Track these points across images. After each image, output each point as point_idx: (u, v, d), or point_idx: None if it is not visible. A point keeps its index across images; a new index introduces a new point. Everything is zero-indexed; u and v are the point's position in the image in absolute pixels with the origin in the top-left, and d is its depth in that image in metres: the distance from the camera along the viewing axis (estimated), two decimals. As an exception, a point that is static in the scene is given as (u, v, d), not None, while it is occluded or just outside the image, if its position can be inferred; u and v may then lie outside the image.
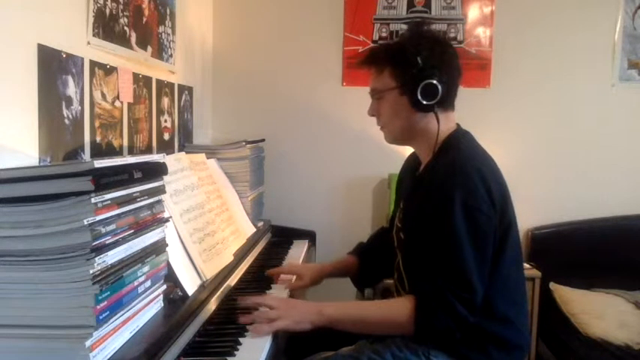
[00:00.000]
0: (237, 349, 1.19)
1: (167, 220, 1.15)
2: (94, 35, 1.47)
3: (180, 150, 2.14)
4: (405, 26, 2.64)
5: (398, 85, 1.35)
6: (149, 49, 1.84)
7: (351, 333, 1.36)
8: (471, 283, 1.22)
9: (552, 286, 2.53)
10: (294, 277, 1.68)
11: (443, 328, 1.23)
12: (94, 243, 0.87)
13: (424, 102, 1.32)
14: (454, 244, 1.23)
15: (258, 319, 1.28)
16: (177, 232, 1.39)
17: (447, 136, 1.37)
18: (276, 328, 1.27)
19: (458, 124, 1.42)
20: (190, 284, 1.31)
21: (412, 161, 1.54)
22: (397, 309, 1.29)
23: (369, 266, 1.68)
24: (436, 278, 1.24)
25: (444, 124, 1.36)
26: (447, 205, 1.23)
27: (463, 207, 1.22)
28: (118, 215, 0.95)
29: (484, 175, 1.27)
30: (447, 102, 1.37)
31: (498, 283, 1.29)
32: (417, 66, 1.31)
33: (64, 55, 1.34)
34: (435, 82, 1.31)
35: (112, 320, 0.93)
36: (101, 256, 0.89)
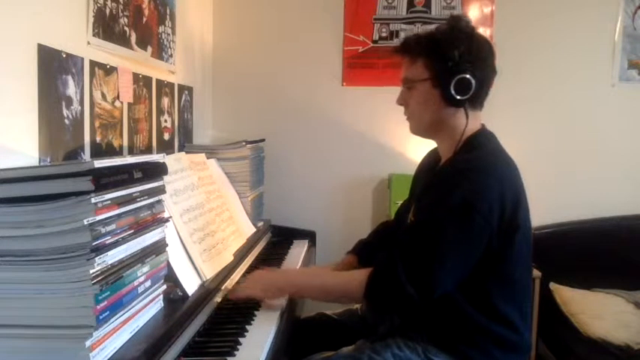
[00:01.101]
0: (237, 349, 1.19)
1: (167, 220, 1.15)
2: (94, 35, 1.47)
3: (180, 150, 2.14)
4: (405, 26, 2.64)
5: (431, 76, 1.33)
6: (149, 49, 1.84)
7: (348, 327, 1.44)
8: (433, 270, 1.21)
9: (552, 286, 2.53)
10: None
11: (388, 303, 1.28)
12: (94, 243, 0.87)
13: (457, 97, 1.30)
14: (434, 231, 1.22)
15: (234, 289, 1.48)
16: (177, 232, 1.39)
17: (471, 135, 1.35)
18: (246, 295, 1.43)
19: (483, 125, 1.41)
20: (190, 284, 1.31)
21: (431, 158, 1.54)
22: (352, 278, 1.34)
23: (368, 262, 1.67)
24: (399, 256, 1.24)
25: (471, 122, 1.34)
26: (448, 195, 1.23)
27: (462, 203, 1.21)
28: (118, 215, 0.95)
29: (501, 177, 1.26)
30: (477, 100, 1.36)
31: (502, 283, 1.28)
32: (452, 59, 1.29)
33: (64, 55, 1.34)
34: (468, 76, 1.29)
35: (112, 320, 0.93)
36: (101, 256, 0.89)
